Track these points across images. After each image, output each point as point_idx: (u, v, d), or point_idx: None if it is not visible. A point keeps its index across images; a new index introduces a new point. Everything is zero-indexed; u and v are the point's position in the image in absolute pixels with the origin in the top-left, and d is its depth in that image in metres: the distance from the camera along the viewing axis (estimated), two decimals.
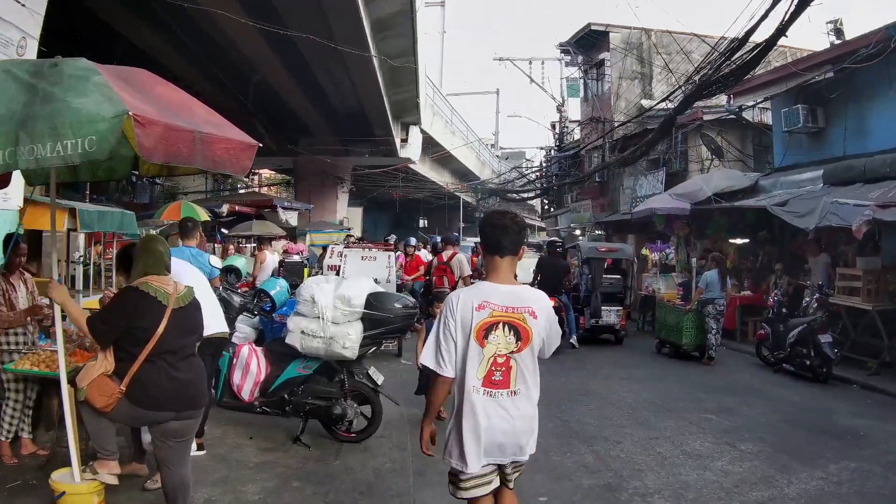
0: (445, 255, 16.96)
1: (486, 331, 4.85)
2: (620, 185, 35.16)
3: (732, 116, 26.55)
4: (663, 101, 26.78)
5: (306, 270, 16.81)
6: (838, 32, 21.61)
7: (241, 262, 15.64)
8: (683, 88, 23.92)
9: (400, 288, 17.29)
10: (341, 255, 17.65)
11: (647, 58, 36.04)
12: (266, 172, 62.99)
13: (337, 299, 9.36)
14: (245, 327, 12.50)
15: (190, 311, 6.32)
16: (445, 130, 55.80)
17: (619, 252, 21.97)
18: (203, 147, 5.43)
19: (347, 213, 51.28)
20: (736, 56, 19.91)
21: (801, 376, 15.58)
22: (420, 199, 66.74)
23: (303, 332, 9.35)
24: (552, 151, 52.53)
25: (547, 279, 18.79)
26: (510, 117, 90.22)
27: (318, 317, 9.28)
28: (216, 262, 10.81)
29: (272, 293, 11.84)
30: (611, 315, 20.62)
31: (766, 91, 23.45)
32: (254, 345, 10.18)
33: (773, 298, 18.02)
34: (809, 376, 15.30)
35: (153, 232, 20.08)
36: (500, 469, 5.13)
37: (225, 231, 30.50)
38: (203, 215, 23.15)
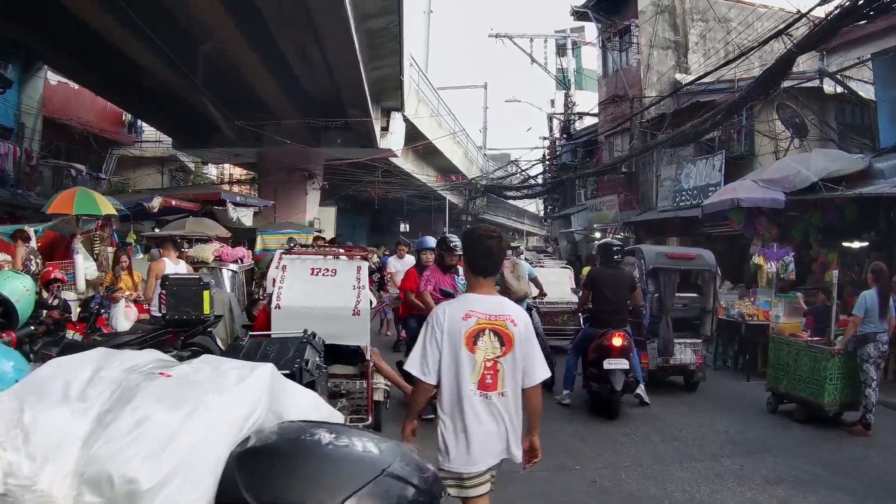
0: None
1: (475, 337, 5.30)
2: (655, 176, 29.81)
3: (814, 83, 21.48)
4: (724, 66, 21.19)
5: (206, 294, 9.96)
6: None
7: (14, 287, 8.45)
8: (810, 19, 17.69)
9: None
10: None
11: (681, 25, 30.91)
12: (236, 170, 56.75)
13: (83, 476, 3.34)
14: None
15: None
16: (431, 121, 50.53)
17: (697, 261, 15.42)
18: None
19: (319, 212, 45.49)
20: None
21: None
22: (402, 200, 60.80)
23: None
24: (557, 142, 47.46)
25: (604, 302, 12.94)
26: (508, 102, 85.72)
27: None
28: None
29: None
30: (686, 351, 14.57)
31: (862, 48, 18.58)
32: None
33: None
34: None
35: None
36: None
37: (158, 232, 24.18)
38: (108, 208, 18.21)
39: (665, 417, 12.61)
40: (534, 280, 15.77)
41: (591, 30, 40.44)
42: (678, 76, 29.31)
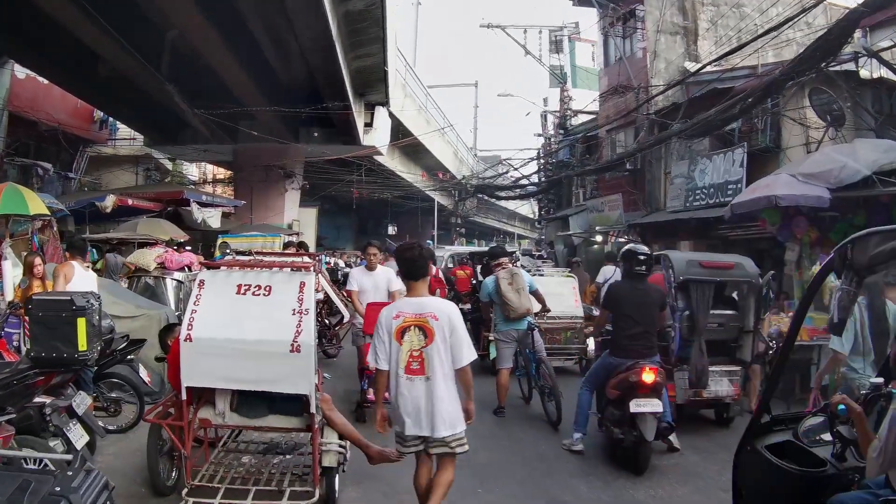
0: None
1: (402, 332, 6.83)
2: (664, 173, 27.31)
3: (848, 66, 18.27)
4: (748, 45, 19.24)
5: (81, 324, 7.47)
6: None
7: None
8: None
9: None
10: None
11: (690, 9, 28.22)
12: (220, 170, 53.76)
13: None
14: None
15: None
16: (419, 118, 48.55)
17: (736, 270, 12.32)
18: None
19: (299, 214, 42.92)
20: None
21: None
22: (388, 202, 58.43)
23: None
24: (552, 139, 45.14)
25: (628, 324, 10.19)
26: (500, 96, 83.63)
27: None
28: None
29: None
30: (721, 381, 11.69)
31: None
32: None
33: None
34: None
35: None
36: (425, 440, 6.88)
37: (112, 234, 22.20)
38: (39, 207, 16.08)
39: (704, 471, 9.91)
40: (535, 293, 13.01)
41: (586, 24, 38.47)
42: (688, 64, 26.61)
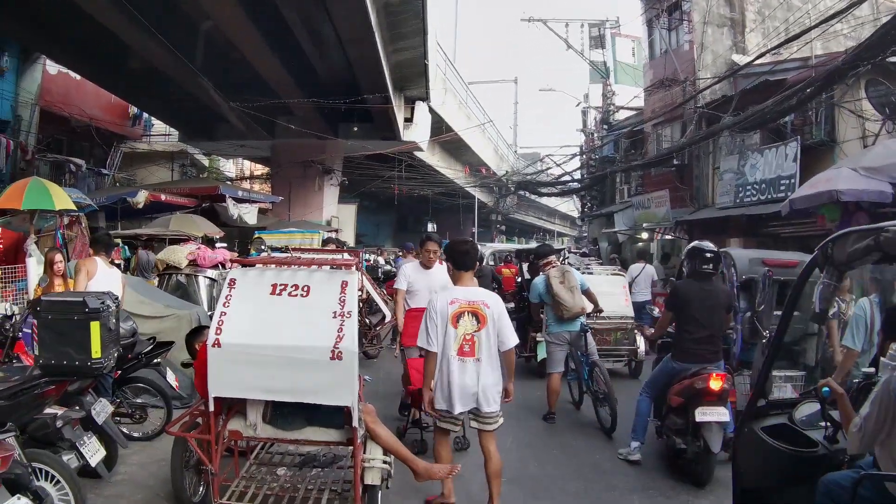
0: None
1: (457, 318, 7.32)
2: (713, 169, 26.54)
3: None
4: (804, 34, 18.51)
5: (95, 328, 6.81)
6: None
7: None
8: None
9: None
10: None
11: (737, 0, 27.59)
12: (257, 167, 53.88)
13: None
14: None
15: None
16: (459, 113, 47.88)
17: (800, 269, 11.42)
18: None
19: (338, 210, 42.59)
20: None
21: None
22: (428, 198, 57.41)
23: None
24: (595, 134, 44.40)
25: (694, 327, 9.43)
26: (542, 91, 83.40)
27: None
28: None
29: None
30: (785, 387, 10.74)
31: None
32: None
33: None
34: None
35: None
36: (475, 414, 7.47)
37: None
38: (64, 202, 15.24)
39: None
40: (586, 292, 12.29)
41: (626, 18, 37.75)
42: (736, 57, 25.96)
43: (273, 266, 7.10)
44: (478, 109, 56.40)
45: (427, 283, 10.70)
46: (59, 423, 6.67)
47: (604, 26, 43.87)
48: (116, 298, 7.68)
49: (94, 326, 6.82)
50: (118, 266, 20.16)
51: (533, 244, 61.62)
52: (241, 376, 6.40)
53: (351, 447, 6.83)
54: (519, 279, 20.20)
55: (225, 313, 6.57)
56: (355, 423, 6.46)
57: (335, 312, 6.50)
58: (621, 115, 41.04)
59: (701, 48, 27.03)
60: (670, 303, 9.92)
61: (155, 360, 9.86)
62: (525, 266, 18.75)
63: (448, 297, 7.44)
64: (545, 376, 12.26)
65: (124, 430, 9.49)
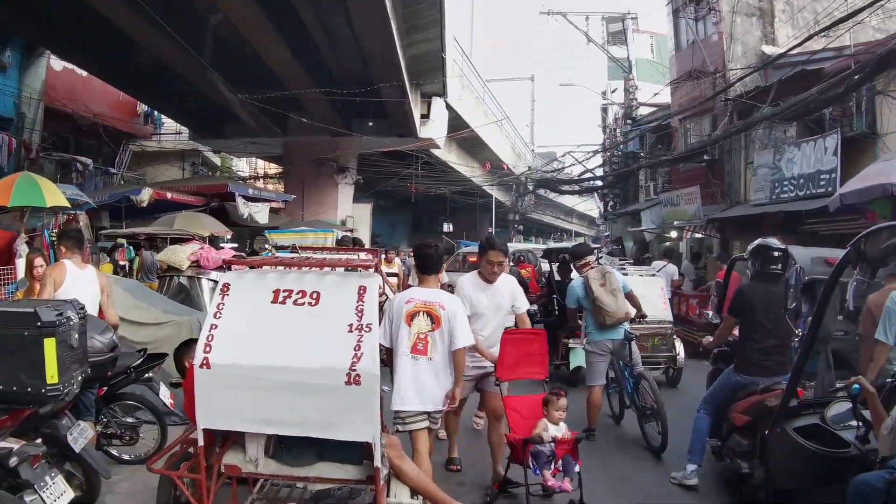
0: None
1: (412, 316, 7.29)
2: (745, 164, 25.57)
3: None
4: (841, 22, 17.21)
5: (49, 346, 5.68)
6: None
7: None
8: None
9: None
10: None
11: None
12: (271, 167, 53.38)
13: None
14: None
15: None
16: (476, 110, 46.95)
17: None
18: None
19: (353, 210, 41.56)
20: None
21: None
22: (445, 197, 56.67)
23: None
24: (618, 130, 43.40)
25: (761, 335, 8.44)
26: (562, 86, 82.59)
27: None
28: None
29: None
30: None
31: None
32: None
33: None
34: None
35: None
36: (428, 415, 7.33)
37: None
38: (56, 198, 14.36)
39: None
40: (629, 295, 11.04)
41: (647, 13, 36.98)
42: (765, 48, 25.20)
43: (276, 268, 5.93)
44: (495, 106, 55.55)
45: (493, 301, 8.62)
46: (13, 462, 5.47)
47: (627, 17, 43.27)
48: (82, 308, 6.39)
49: (49, 344, 5.63)
50: (122, 268, 19.56)
51: (551, 243, 60.92)
52: (236, 405, 5.31)
53: (372, 486, 5.62)
54: (544, 280, 19.40)
55: (216, 326, 5.46)
56: (377, 463, 5.33)
57: (351, 325, 5.37)
58: (642, 112, 40.22)
59: (730, 38, 26.24)
60: (735, 308, 8.83)
61: (146, 375, 8.73)
62: (556, 267, 17.79)
63: (405, 297, 7.52)
64: (579, 386, 11.34)
65: (114, 452, 8.55)
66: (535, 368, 8.26)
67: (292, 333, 5.43)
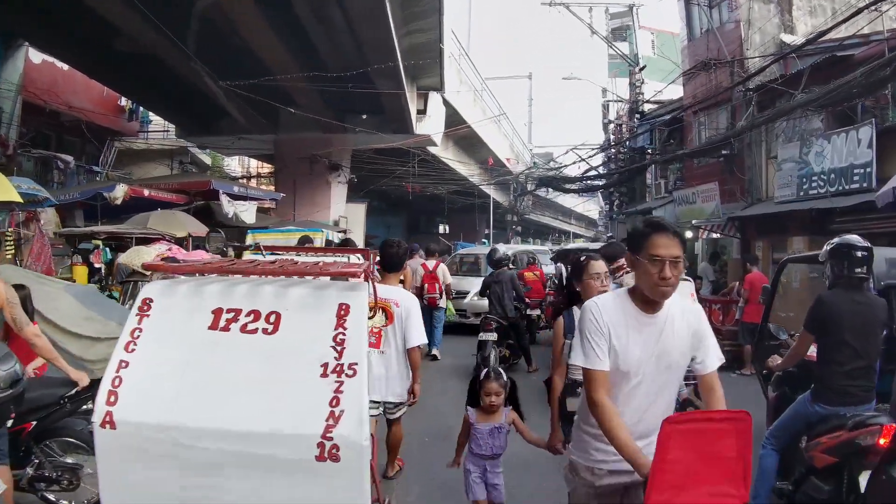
0: (430, 264, 17.59)
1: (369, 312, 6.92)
2: (768, 158, 24.33)
3: None
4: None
5: None
6: None
7: None
8: None
9: None
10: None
11: None
12: (265, 167, 52.28)
13: None
14: None
15: None
16: (474, 107, 46.25)
17: None
18: None
19: (346, 210, 40.37)
20: None
21: None
22: (442, 198, 55.28)
23: None
24: (624, 126, 42.68)
25: (847, 356, 6.70)
26: (565, 79, 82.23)
27: None
28: None
29: None
30: None
31: None
32: None
33: None
34: None
35: None
36: (385, 407, 7.95)
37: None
38: (8, 194, 12.76)
39: None
40: None
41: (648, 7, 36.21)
42: (784, 37, 24.18)
43: (216, 275, 4.12)
44: (493, 104, 55.05)
45: (657, 348, 4.29)
46: None
47: (634, 7, 42.54)
48: None
49: None
50: (98, 271, 18.06)
51: (549, 245, 59.99)
52: (155, 485, 3.51)
53: None
54: (555, 282, 18.93)
55: (126, 364, 3.65)
56: None
57: (326, 365, 3.58)
58: (648, 109, 39.19)
59: (748, 25, 25.06)
60: (814, 322, 7.02)
61: (85, 406, 7.06)
62: (569, 269, 16.52)
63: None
64: None
65: (52, 497, 6.97)
66: (724, 488, 3.72)
67: (238, 377, 3.65)
